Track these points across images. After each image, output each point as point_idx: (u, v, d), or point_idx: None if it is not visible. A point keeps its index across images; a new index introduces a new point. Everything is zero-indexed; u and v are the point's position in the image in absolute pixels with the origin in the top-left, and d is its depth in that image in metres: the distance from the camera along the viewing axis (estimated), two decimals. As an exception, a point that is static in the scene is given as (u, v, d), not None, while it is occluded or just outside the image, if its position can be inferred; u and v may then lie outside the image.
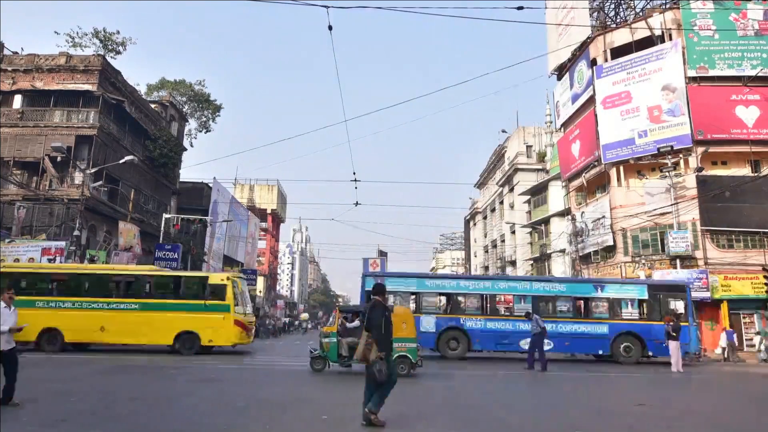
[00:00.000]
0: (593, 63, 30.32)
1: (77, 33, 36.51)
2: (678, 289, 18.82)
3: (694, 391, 12.18)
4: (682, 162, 26.57)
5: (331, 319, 15.22)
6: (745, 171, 26.58)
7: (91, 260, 24.82)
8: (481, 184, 64.19)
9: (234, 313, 17.12)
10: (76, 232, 23.33)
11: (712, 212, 25.13)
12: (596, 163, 29.92)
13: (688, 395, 11.20)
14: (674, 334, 15.26)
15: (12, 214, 25.23)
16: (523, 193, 43.85)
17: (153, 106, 36.28)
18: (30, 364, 13.43)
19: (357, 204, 26.35)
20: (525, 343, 16.65)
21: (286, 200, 74.38)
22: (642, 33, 28.74)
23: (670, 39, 27.69)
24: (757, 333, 23.12)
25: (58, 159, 25.73)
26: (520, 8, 11.37)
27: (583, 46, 31.35)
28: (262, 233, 65.76)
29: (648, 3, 31.26)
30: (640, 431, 6.73)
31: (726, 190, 24.22)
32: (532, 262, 42.73)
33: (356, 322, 13.10)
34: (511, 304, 19.43)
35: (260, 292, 63.08)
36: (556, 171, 37.45)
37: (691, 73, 26.82)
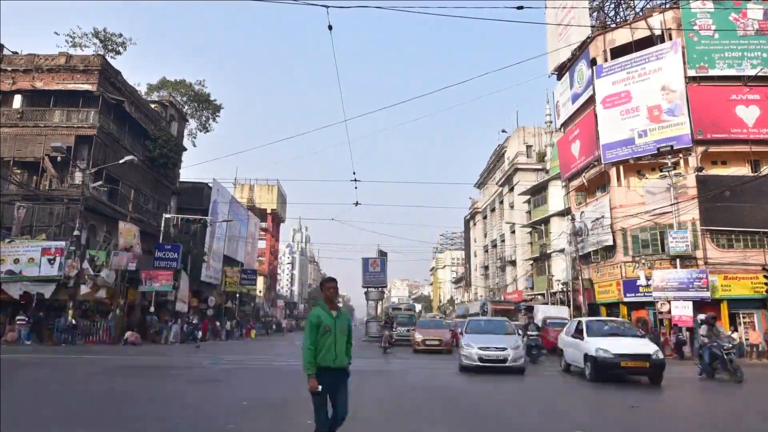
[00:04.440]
0: (593, 63, 30.30)
1: (77, 33, 36.51)
2: None
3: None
4: (681, 162, 26.55)
5: None
6: (745, 171, 26.56)
7: (92, 260, 24.82)
8: (481, 184, 64.17)
9: None
10: (76, 232, 23.31)
11: (712, 212, 25.11)
12: (596, 162, 29.90)
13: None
14: None
15: (12, 214, 25.21)
16: (523, 193, 43.84)
17: (153, 106, 36.27)
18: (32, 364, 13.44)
19: (357, 204, 26.37)
20: None
21: (286, 200, 74.45)
22: (642, 33, 28.71)
23: (670, 39, 27.67)
24: None
25: (58, 159, 25.71)
26: (520, 8, 11.36)
27: (583, 46, 31.33)
28: (262, 233, 65.76)
29: (648, 3, 31.24)
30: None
31: (726, 190, 24.21)
32: (532, 261, 42.73)
33: None
34: None
35: (260, 292, 63.10)
36: (556, 171, 37.43)
37: (691, 73, 26.80)
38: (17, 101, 28.19)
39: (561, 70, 34.61)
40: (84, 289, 23.82)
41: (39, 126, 27.11)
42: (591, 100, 30.29)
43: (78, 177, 25.88)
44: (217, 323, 39.02)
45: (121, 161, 25.19)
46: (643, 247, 27.49)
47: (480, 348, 13.17)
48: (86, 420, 6.66)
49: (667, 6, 29.26)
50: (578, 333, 13.35)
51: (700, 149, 26.02)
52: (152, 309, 29.13)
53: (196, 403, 8.23)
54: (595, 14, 32.33)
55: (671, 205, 25.21)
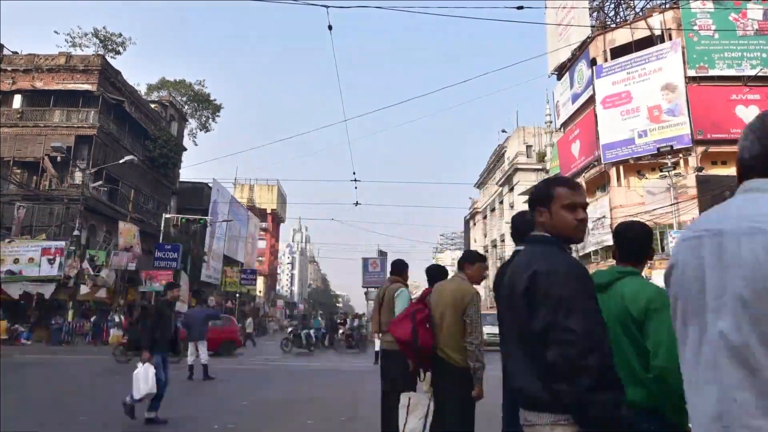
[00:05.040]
0: (593, 63, 30.32)
1: (77, 33, 36.54)
2: None
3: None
4: (681, 162, 26.57)
5: None
6: (745, 171, 26.57)
7: (91, 260, 24.84)
8: (481, 184, 64.20)
9: None
10: (75, 232, 23.33)
11: (712, 212, 25.11)
12: (596, 162, 29.92)
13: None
14: None
15: (12, 214, 25.23)
16: (523, 193, 43.77)
17: (153, 106, 36.29)
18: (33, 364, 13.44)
19: (357, 204, 26.35)
20: None
21: (286, 200, 74.48)
22: (642, 33, 28.73)
23: (670, 39, 27.69)
24: None
25: (58, 159, 25.73)
26: (520, 8, 11.35)
27: (583, 46, 31.35)
28: (262, 233, 65.78)
29: (648, 3, 31.27)
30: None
31: (726, 190, 24.19)
32: (532, 262, 42.73)
33: None
34: None
35: (260, 292, 63.10)
36: (556, 171, 37.42)
37: (691, 73, 26.81)
38: (17, 101, 28.20)
39: (561, 70, 34.63)
40: (84, 289, 23.85)
41: (39, 126, 27.13)
42: (591, 100, 30.30)
43: (78, 177, 25.89)
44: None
45: (121, 161, 25.19)
46: (643, 247, 27.49)
47: None
48: (87, 419, 6.66)
49: (667, 6, 29.28)
50: None
51: (700, 149, 26.04)
52: (152, 309, 29.13)
53: (197, 402, 8.23)
54: (595, 14, 32.37)
55: (671, 205, 25.21)
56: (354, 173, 24.86)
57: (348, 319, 27.12)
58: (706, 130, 26.06)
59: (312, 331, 21.68)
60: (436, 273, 4.35)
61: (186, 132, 42.73)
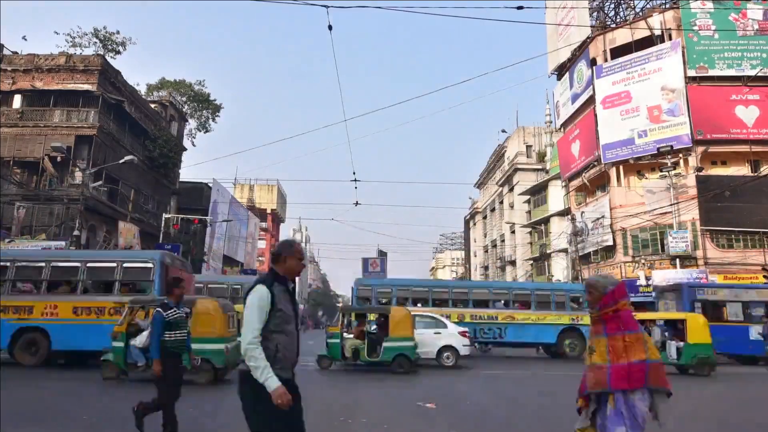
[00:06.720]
0: (593, 63, 30.33)
1: (77, 33, 36.53)
2: None
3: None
4: (681, 162, 26.59)
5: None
6: (744, 171, 26.60)
7: (91, 260, 24.78)
8: (480, 184, 64.22)
9: None
10: (75, 232, 23.29)
11: (711, 212, 25.13)
12: (596, 162, 29.93)
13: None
14: None
15: (12, 214, 25.21)
16: (523, 193, 43.85)
17: (153, 106, 36.26)
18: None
19: (357, 204, 26.34)
20: None
21: (286, 200, 74.45)
22: (642, 33, 28.75)
23: (670, 39, 27.71)
24: None
25: (58, 159, 25.70)
26: (519, 8, 11.34)
27: (583, 46, 31.36)
28: (262, 233, 65.75)
29: (648, 3, 31.30)
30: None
31: (726, 190, 24.23)
32: (531, 262, 42.74)
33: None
34: None
35: (260, 292, 62.97)
36: (556, 171, 37.46)
37: (691, 73, 26.83)
38: (17, 101, 28.18)
39: (561, 70, 34.65)
40: (84, 289, 23.80)
41: (39, 126, 27.09)
42: (591, 100, 30.32)
43: (78, 177, 25.87)
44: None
45: (121, 161, 25.14)
46: (643, 247, 27.50)
47: None
48: (87, 420, 6.66)
49: (667, 6, 29.31)
50: None
51: (700, 149, 26.06)
52: (152, 309, 29.18)
53: (198, 402, 8.22)
54: (595, 14, 32.39)
55: (671, 205, 25.23)
56: (354, 173, 24.91)
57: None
58: (706, 130, 26.08)
59: None
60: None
61: (185, 132, 42.72)
